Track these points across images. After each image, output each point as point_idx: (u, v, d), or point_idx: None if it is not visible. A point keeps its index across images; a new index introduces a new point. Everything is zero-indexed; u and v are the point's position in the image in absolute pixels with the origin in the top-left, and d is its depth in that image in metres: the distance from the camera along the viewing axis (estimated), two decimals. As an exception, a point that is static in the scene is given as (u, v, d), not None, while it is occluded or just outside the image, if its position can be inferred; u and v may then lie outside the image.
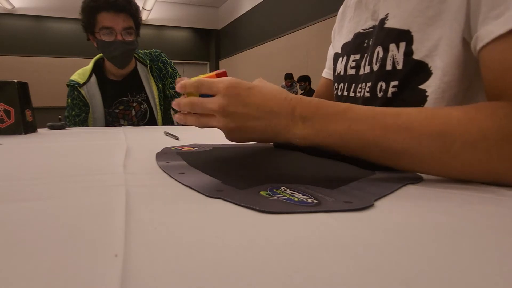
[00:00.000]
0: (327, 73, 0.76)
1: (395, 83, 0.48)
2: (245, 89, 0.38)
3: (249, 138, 0.41)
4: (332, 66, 0.70)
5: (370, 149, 0.35)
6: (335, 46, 0.69)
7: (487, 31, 0.36)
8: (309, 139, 0.37)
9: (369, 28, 0.56)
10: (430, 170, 0.34)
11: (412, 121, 0.33)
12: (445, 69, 0.43)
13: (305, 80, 4.62)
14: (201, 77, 0.43)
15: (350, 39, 0.61)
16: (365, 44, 0.57)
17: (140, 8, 1.31)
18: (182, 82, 0.42)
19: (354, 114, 0.35)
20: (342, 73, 0.62)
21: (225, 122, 0.38)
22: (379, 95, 0.50)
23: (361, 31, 0.58)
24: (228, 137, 0.41)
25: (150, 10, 6.59)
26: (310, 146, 0.38)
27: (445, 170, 0.33)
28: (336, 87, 0.64)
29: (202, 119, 0.41)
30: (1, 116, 0.82)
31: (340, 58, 0.63)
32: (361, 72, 0.56)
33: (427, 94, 0.45)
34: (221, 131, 0.41)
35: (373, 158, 0.36)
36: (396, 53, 0.48)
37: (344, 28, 0.65)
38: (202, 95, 0.41)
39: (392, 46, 0.48)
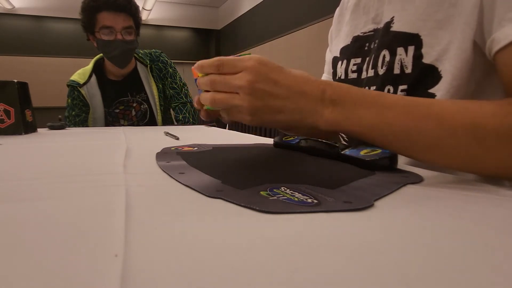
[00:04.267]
0: (326, 77, 0.74)
1: (404, 87, 0.48)
2: (275, 67, 0.36)
3: (273, 120, 0.38)
4: (331, 71, 0.70)
5: (399, 138, 0.34)
6: (334, 50, 0.68)
7: (504, 33, 0.36)
8: (337, 123, 0.36)
9: (369, 32, 0.56)
10: (462, 164, 0.33)
11: (445, 112, 0.32)
12: (455, 73, 0.43)
13: None
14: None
15: (349, 43, 0.60)
16: (366, 48, 0.56)
17: (140, 8, 1.31)
18: (199, 62, 0.38)
19: (385, 100, 0.34)
20: (343, 77, 0.62)
21: (250, 100, 0.35)
22: None
23: (361, 34, 0.58)
24: (250, 118, 0.37)
25: (150, 10, 6.58)
26: (337, 131, 0.37)
27: (478, 166, 0.32)
28: None
29: (220, 95, 0.37)
30: (1, 116, 0.82)
31: (340, 62, 0.63)
32: (363, 75, 0.56)
33: (436, 98, 0.44)
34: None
35: (401, 149, 0.35)
36: (405, 57, 0.47)
37: (341, 31, 0.65)
38: None
39: (400, 50, 0.48)
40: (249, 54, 0.39)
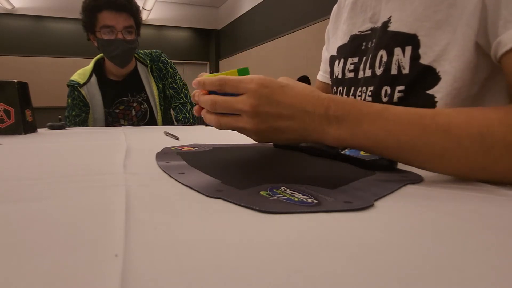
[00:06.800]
0: (322, 76, 0.75)
1: (401, 88, 0.47)
2: (277, 88, 0.36)
3: (278, 139, 0.39)
4: (328, 69, 0.69)
5: (406, 150, 0.34)
6: (331, 48, 0.67)
7: (510, 36, 0.35)
8: (343, 139, 0.36)
9: (367, 31, 0.55)
10: (470, 173, 0.33)
11: (451, 122, 0.32)
12: (456, 75, 0.42)
13: (304, 82, 4.58)
14: (219, 75, 0.39)
15: (346, 42, 0.60)
16: (363, 47, 0.56)
17: (140, 8, 1.31)
18: (200, 79, 0.39)
19: (390, 114, 0.34)
20: (340, 76, 0.61)
21: (254, 123, 0.36)
22: (384, 99, 0.50)
23: (358, 33, 0.57)
24: (256, 138, 0.39)
25: (150, 10, 6.59)
26: (343, 146, 0.36)
27: (486, 174, 0.32)
28: (335, 90, 0.63)
29: (225, 119, 0.38)
30: (1, 116, 0.82)
31: (337, 61, 0.62)
32: (361, 75, 0.55)
33: (436, 99, 0.44)
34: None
35: (410, 160, 0.35)
36: (402, 57, 0.47)
37: (339, 29, 0.64)
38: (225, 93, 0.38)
39: (397, 50, 0.47)
40: (246, 68, 0.40)
